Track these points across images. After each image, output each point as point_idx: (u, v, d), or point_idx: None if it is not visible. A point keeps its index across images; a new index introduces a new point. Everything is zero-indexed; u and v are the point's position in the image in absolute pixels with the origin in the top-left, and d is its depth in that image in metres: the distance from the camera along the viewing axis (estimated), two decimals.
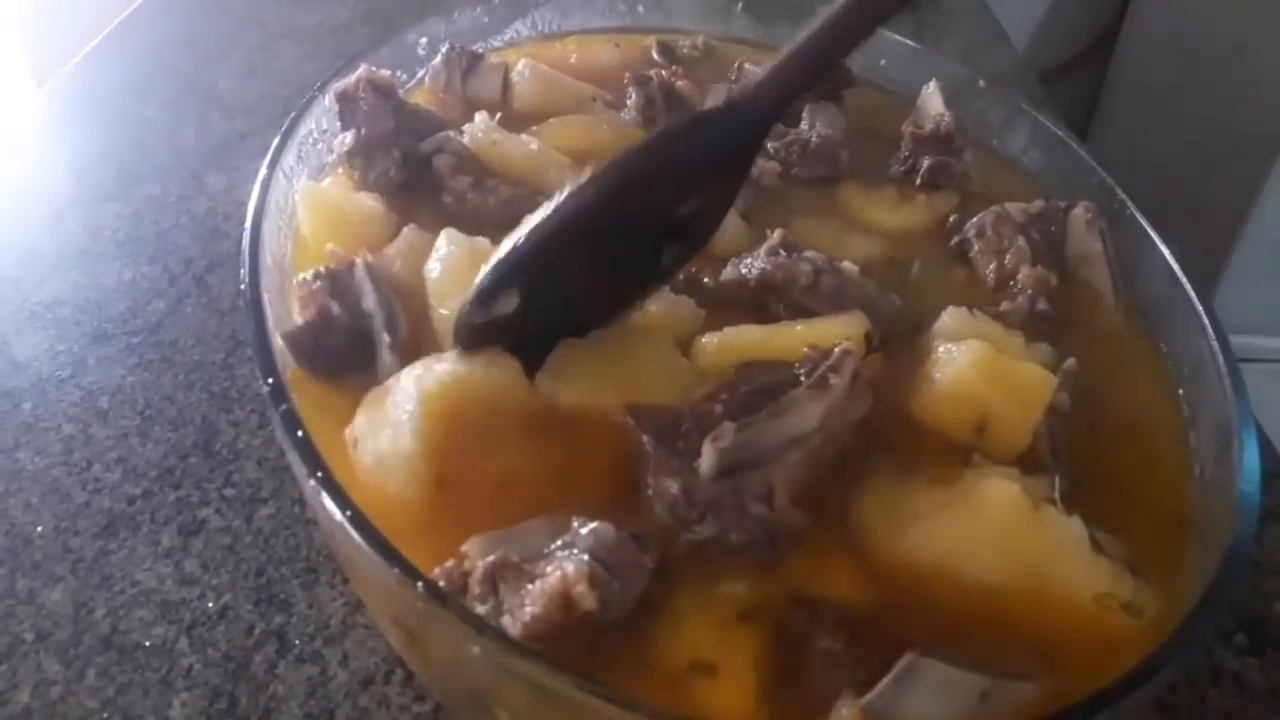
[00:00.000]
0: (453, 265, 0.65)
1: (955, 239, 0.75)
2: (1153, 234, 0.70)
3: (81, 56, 1.25)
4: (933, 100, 0.84)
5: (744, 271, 0.68)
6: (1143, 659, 0.45)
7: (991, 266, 0.72)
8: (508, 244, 0.59)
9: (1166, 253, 0.68)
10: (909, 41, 0.90)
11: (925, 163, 0.79)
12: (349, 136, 0.76)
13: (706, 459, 0.52)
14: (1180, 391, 0.65)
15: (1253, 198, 1.35)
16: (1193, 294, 0.65)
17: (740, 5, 0.97)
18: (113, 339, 0.89)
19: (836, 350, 0.57)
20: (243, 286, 0.59)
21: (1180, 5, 1.45)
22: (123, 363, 0.87)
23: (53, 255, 0.96)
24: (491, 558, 0.48)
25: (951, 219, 0.76)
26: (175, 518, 0.76)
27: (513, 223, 0.69)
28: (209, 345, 0.90)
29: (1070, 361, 0.64)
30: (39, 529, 0.74)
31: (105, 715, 0.64)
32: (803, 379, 0.56)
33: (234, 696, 0.65)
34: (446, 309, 0.62)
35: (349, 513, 0.47)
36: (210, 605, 0.70)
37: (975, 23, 1.47)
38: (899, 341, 0.66)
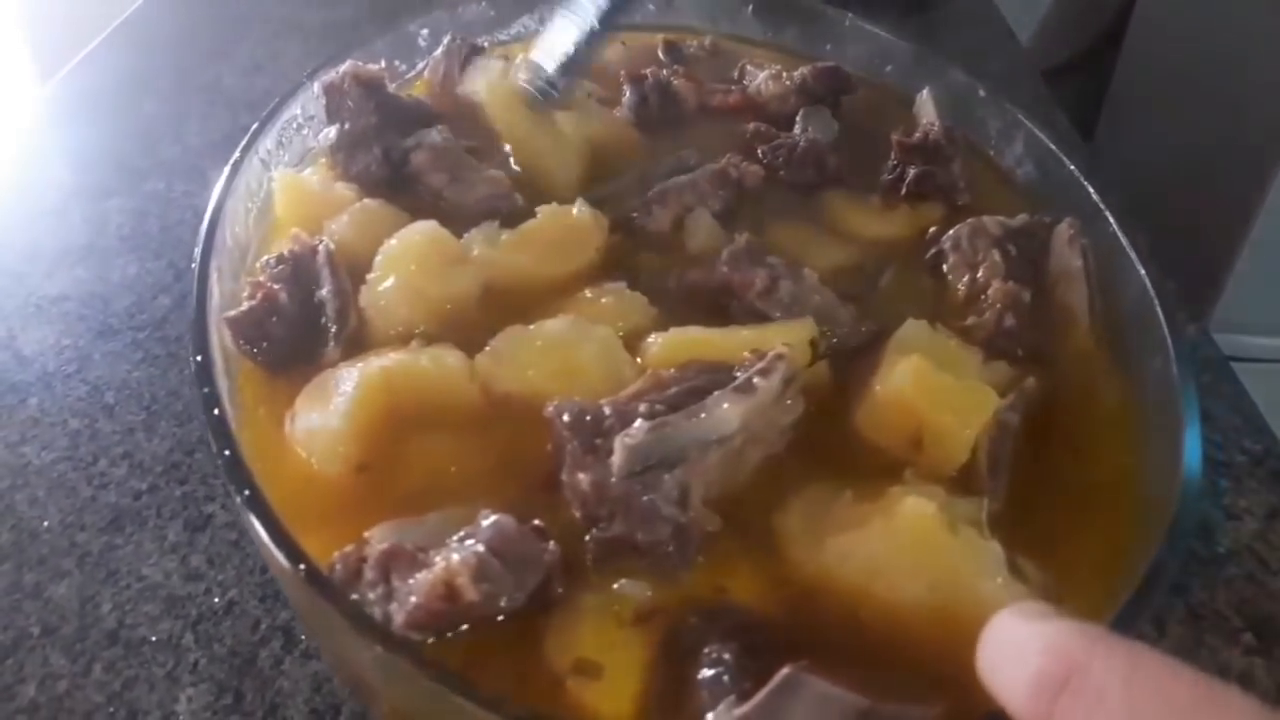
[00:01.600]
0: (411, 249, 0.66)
1: (931, 250, 0.73)
2: (1131, 253, 0.67)
3: (85, 53, 1.27)
4: (925, 108, 0.82)
5: (705, 275, 0.68)
6: None
7: (964, 280, 0.70)
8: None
9: (1143, 273, 0.65)
10: (914, 45, 0.88)
11: (911, 172, 0.77)
12: (333, 131, 0.77)
13: (617, 455, 0.52)
14: (1140, 420, 0.62)
15: (1260, 196, 1.29)
16: (1163, 319, 0.62)
17: (750, 7, 0.96)
18: (118, 334, 0.90)
19: (769, 354, 0.56)
20: (193, 265, 0.60)
21: (1187, 2, 1.40)
22: (128, 358, 0.88)
23: (57, 250, 0.98)
24: (384, 545, 0.48)
25: (931, 230, 0.74)
26: (181, 513, 0.76)
27: (490, 216, 0.71)
28: None
29: (1029, 381, 0.62)
30: (45, 523, 0.75)
31: (111, 710, 0.64)
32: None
33: (240, 692, 0.65)
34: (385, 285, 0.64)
35: (246, 492, 0.48)
36: (216, 601, 0.71)
37: (984, 21, 1.44)
38: (853, 352, 0.65)
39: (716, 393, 0.54)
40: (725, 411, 0.53)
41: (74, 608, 0.70)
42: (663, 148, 0.83)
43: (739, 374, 0.56)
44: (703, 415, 0.53)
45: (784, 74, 0.88)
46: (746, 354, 0.57)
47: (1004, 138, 0.81)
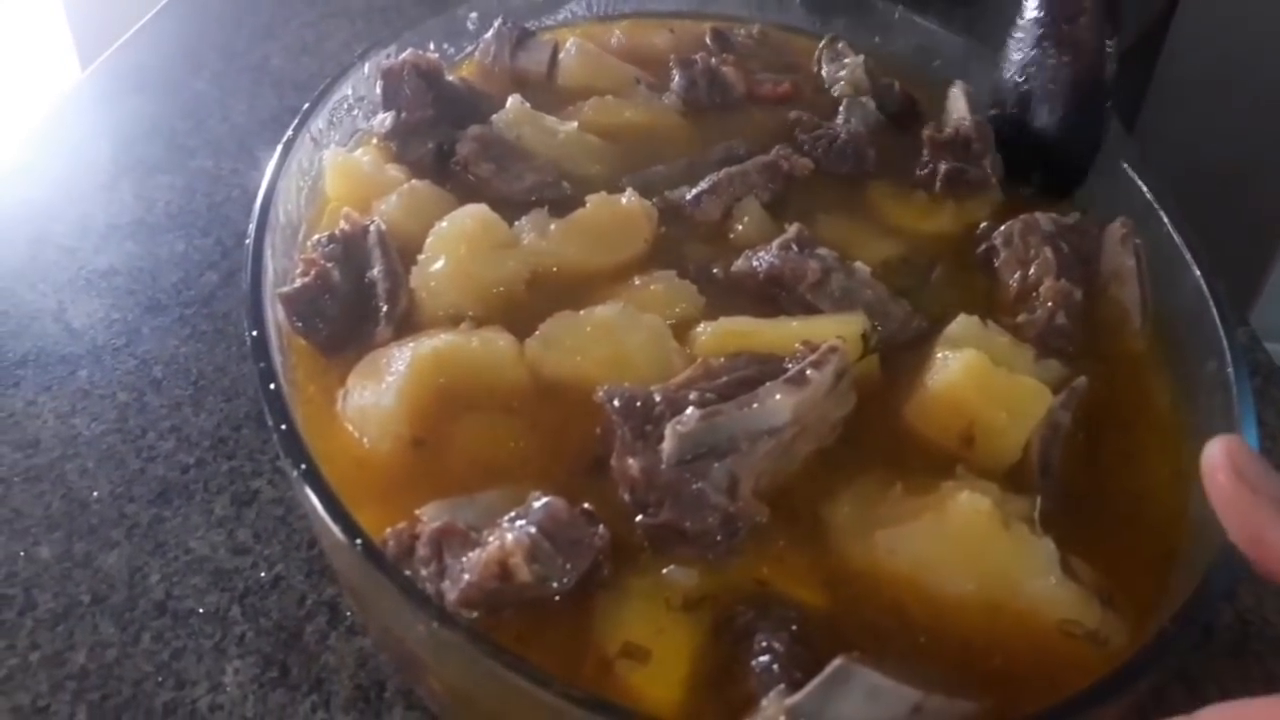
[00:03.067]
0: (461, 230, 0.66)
1: (982, 246, 0.72)
2: (1186, 254, 0.66)
3: (131, 34, 1.27)
4: (956, 103, 0.81)
5: (754, 264, 0.68)
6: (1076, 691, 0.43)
7: (1015, 277, 0.69)
8: None
9: (1198, 274, 0.65)
10: (965, 38, 0.88)
11: (943, 168, 0.77)
12: (388, 118, 0.77)
13: (668, 443, 0.52)
14: (1192, 421, 0.62)
15: None
16: (1219, 322, 0.62)
17: None
18: (166, 309, 0.90)
19: (823, 347, 0.56)
20: (248, 241, 0.61)
21: None
22: (176, 333, 0.88)
23: (107, 225, 0.98)
24: (437, 523, 0.49)
25: (981, 226, 0.74)
26: (228, 487, 0.76)
27: (538, 204, 0.71)
28: None
29: (1080, 380, 0.61)
30: (95, 494, 0.75)
31: (160, 679, 0.65)
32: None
33: (285, 665, 0.66)
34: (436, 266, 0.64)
35: (303, 465, 0.48)
36: (263, 575, 0.71)
37: None
38: (904, 347, 0.64)
39: (769, 383, 0.54)
40: (778, 403, 0.53)
41: (123, 578, 0.70)
42: (709, 135, 0.82)
43: (790, 365, 0.56)
44: (755, 405, 0.53)
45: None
46: (799, 345, 0.57)
47: None
